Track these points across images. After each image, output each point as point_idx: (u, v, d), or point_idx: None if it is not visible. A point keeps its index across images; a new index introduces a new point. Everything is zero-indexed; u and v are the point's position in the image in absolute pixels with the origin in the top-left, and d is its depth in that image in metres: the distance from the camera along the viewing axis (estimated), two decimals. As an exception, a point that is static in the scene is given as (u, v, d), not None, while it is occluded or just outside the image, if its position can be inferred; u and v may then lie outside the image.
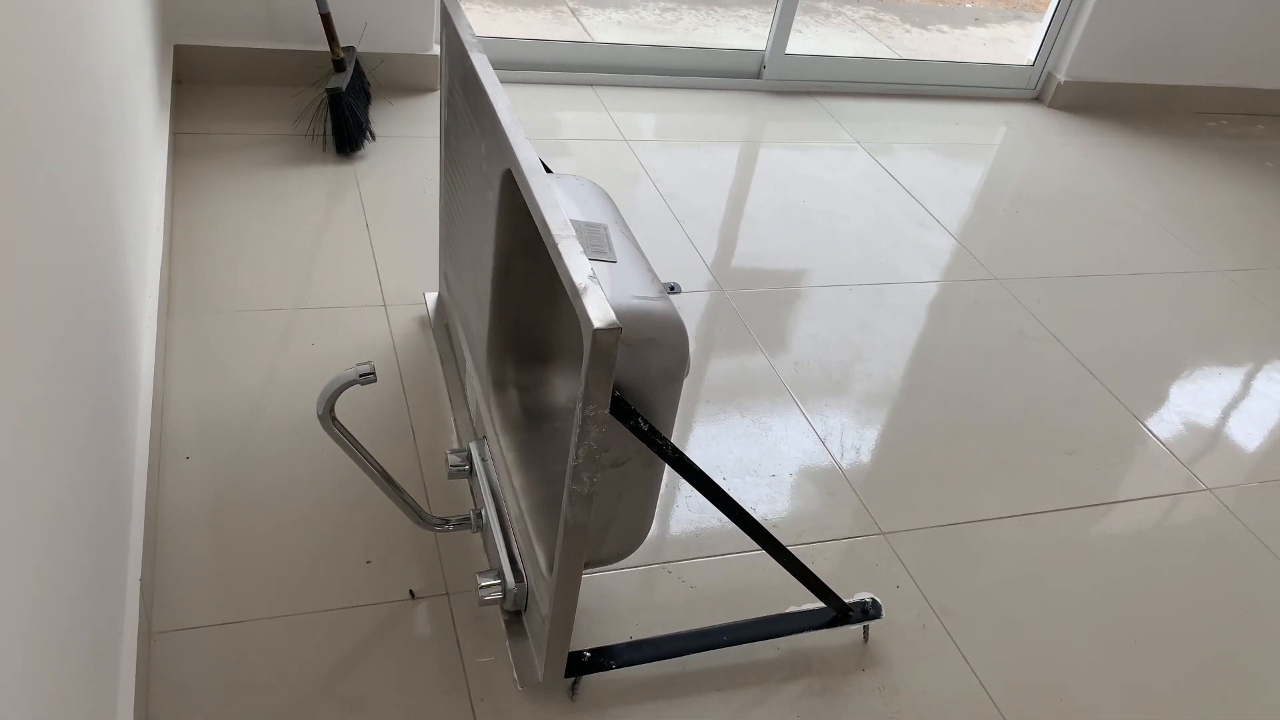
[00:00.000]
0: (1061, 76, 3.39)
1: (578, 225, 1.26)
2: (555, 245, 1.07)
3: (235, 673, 1.31)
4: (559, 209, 1.12)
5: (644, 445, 1.18)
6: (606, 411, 1.04)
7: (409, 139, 2.54)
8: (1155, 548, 1.76)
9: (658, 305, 1.14)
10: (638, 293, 1.15)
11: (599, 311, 0.99)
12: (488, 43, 2.88)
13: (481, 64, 1.43)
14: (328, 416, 1.28)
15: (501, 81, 2.90)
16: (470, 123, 1.51)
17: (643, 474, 1.22)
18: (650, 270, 1.23)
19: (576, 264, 1.04)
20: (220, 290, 1.93)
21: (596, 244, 1.23)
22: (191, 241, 2.04)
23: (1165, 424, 2.06)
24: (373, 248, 2.13)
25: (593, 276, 1.03)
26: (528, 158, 1.20)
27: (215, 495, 1.53)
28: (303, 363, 1.80)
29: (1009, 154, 3.09)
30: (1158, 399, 2.13)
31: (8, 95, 0.88)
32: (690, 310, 2.13)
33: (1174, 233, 2.80)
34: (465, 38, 1.51)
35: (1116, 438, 2.00)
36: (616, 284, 1.16)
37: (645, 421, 1.12)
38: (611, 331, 0.97)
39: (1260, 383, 2.24)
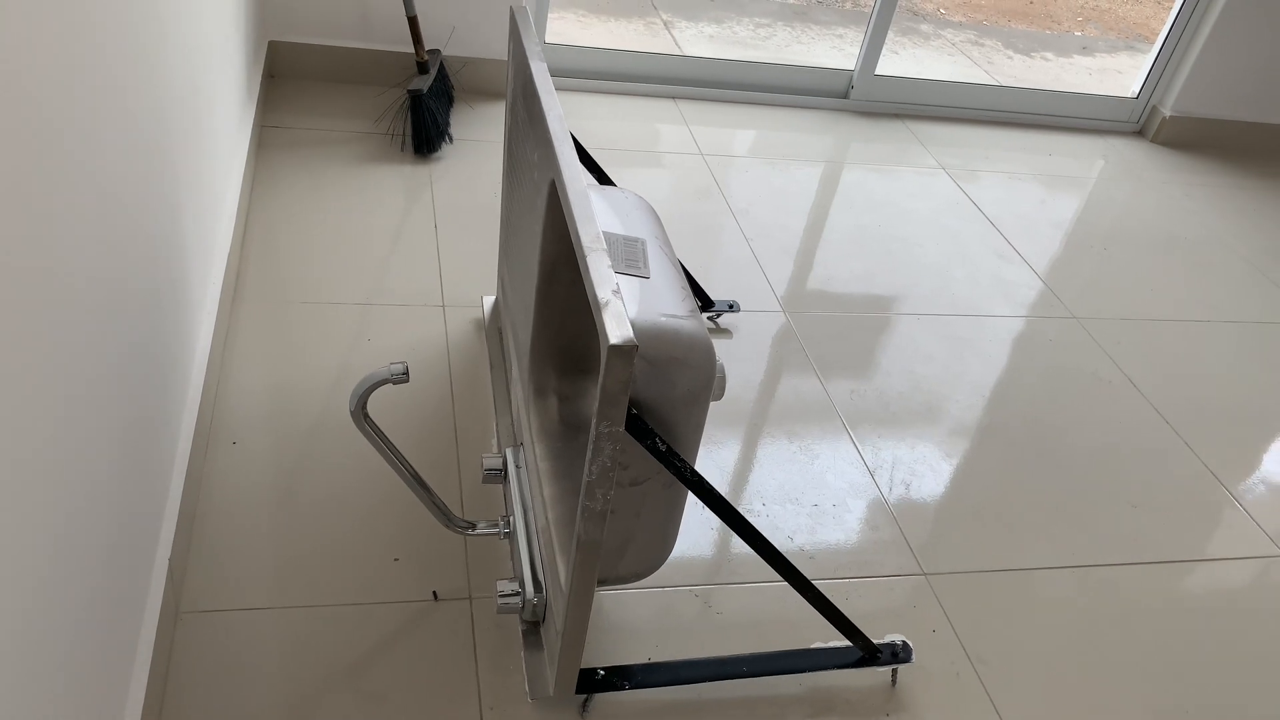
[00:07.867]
0: (1167, 110, 3.25)
1: (613, 239, 1.25)
2: (584, 257, 1.06)
3: (258, 657, 1.32)
4: (593, 221, 1.10)
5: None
6: (621, 429, 1.02)
7: (485, 143, 2.57)
8: (1220, 616, 1.66)
9: (685, 324, 1.12)
10: (667, 310, 1.13)
11: (617, 327, 0.97)
12: (572, 51, 2.89)
13: (539, 71, 1.43)
14: (359, 413, 1.29)
15: (582, 91, 2.91)
16: (527, 129, 1.51)
17: (663, 494, 1.20)
18: (684, 288, 1.20)
19: (601, 276, 1.03)
20: (288, 281, 1.97)
21: (631, 258, 1.21)
22: (266, 231, 2.09)
23: (1244, 484, 1.94)
24: (439, 249, 2.15)
25: (616, 291, 1.01)
26: (570, 167, 1.19)
27: (256, 481, 1.56)
28: (358, 358, 1.83)
29: (1104, 188, 2.97)
30: (1239, 457, 2.01)
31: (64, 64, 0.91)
32: (748, 330, 2.10)
33: (1276, 281, 2.65)
34: (528, 45, 1.51)
35: (1188, 495, 1.89)
36: (645, 300, 1.14)
37: (664, 442, 1.10)
38: (627, 348, 0.96)
39: (1357, 447, 2.10)
